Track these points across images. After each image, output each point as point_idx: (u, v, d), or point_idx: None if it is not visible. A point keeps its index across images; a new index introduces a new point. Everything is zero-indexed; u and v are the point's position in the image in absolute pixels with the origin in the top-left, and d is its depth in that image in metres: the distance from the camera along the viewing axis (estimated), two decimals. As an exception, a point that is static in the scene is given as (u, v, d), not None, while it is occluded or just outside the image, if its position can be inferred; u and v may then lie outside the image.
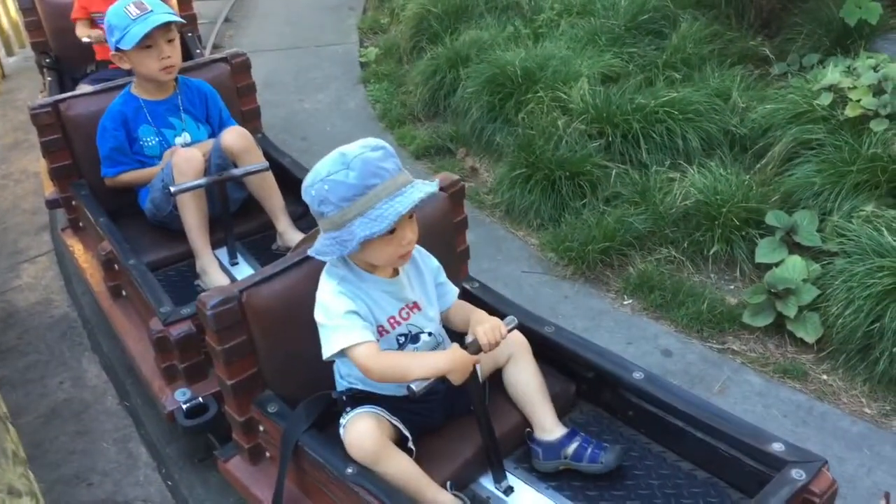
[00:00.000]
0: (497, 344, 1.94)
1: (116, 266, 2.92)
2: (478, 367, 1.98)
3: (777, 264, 3.15)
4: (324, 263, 1.98)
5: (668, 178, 3.61)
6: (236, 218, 3.09)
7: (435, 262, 2.13)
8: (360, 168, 1.78)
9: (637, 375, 2.08)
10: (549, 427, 2.09)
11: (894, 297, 2.74)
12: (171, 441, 2.84)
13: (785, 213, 3.26)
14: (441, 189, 2.32)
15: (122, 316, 2.94)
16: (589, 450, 2.03)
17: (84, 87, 3.75)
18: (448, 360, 1.87)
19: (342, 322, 1.88)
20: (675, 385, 2.10)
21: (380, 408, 1.98)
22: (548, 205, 3.76)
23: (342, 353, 1.89)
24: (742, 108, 3.85)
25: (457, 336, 2.13)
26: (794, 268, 3.08)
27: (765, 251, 3.22)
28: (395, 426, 1.97)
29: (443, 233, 2.33)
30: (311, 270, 2.04)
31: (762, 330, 3.08)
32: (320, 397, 2.05)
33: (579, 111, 3.94)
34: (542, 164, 3.79)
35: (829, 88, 3.53)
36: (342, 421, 1.99)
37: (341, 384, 2.08)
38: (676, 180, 3.56)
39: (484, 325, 1.95)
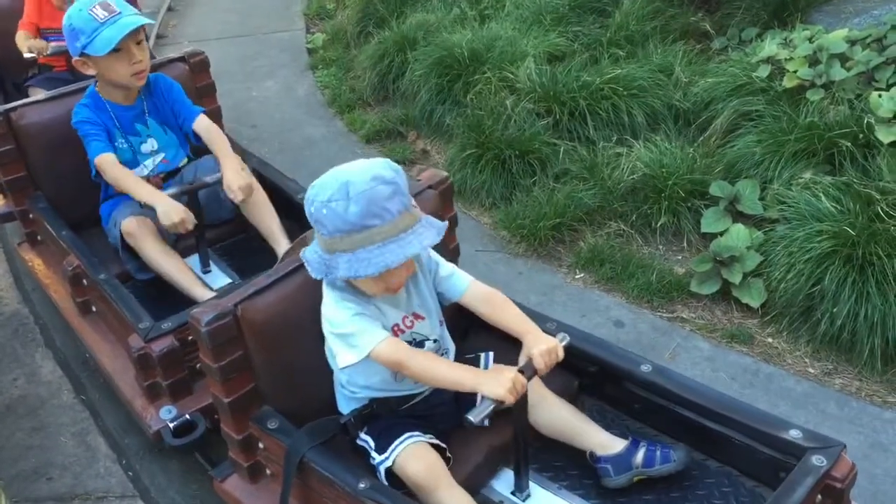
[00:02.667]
0: (553, 367, 1.84)
1: (85, 281, 2.78)
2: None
3: (722, 233, 3.24)
4: None
5: (615, 154, 3.68)
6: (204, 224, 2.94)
7: (434, 258, 2.03)
8: (362, 206, 1.67)
9: (645, 368, 2.02)
10: (608, 443, 1.99)
11: (833, 259, 2.84)
12: (130, 432, 2.83)
13: (728, 184, 3.35)
14: (430, 187, 2.26)
15: (94, 333, 2.80)
16: (658, 452, 1.95)
17: (36, 92, 3.62)
18: (500, 385, 1.74)
19: (354, 327, 1.81)
20: (684, 376, 2.06)
21: (418, 433, 1.90)
22: (499, 184, 3.80)
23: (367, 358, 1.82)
24: (685, 82, 3.93)
25: (458, 333, 2.10)
26: (738, 236, 3.18)
27: (710, 221, 3.31)
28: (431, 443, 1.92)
29: None
30: (305, 279, 1.95)
31: (709, 297, 3.17)
32: (326, 423, 1.97)
33: (527, 90, 3.98)
34: (492, 144, 3.83)
35: (767, 61, 3.62)
36: (377, 457, 1.91)
37: (343, 394, 2.02)
38: (623, 155, 3.63)
39: (540, 348, 1.84)
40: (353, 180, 1.69)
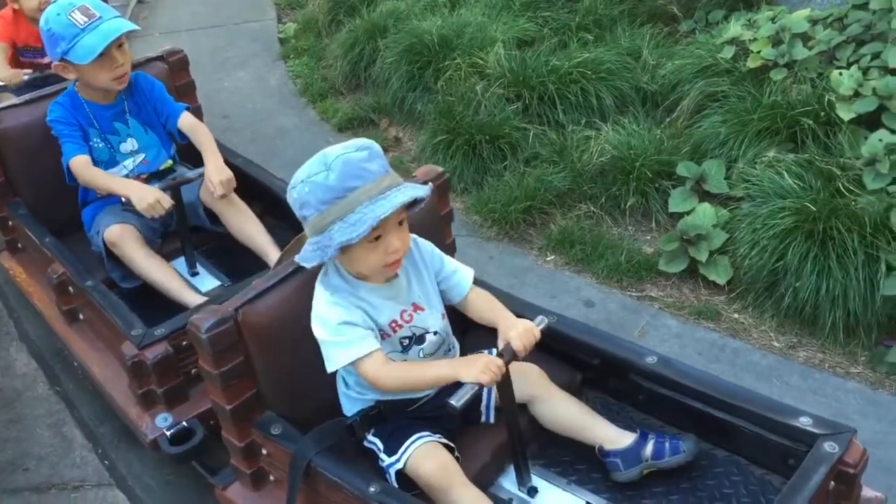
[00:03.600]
0: (531, 347, 1.83)
1: (71, 289, 2.73)
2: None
3: (689, 212, 3.29)
4: (318, 270, 1.89)
5: (584, 137, 3.71)
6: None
7: (436, 252, 2.02)
8: (340, 169, 1.69)
9: (650, 360, 1.99)
10: (616, 437, 1.96)
11: (795, 235, 2.90)
12: (106, 421, 2.85)
13: (694, 164, 3.40)
14: (425, 183, 2.18)
15: (82, 341, 2.74)
16: (667, 444, 1.93)
17: (7, 97, 3.50)
18: (475, 368, 1.74)
19: (341, 335, 1.80)
20: (690, 366, 2.05)
21: (427, 433, 1.89)
22: (470, 169, 3.83)
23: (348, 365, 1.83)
24: (652, 65, 3.97)
25: (458, 331, 2.08)
26: (704, 215, 3.23)
27: (677, 201, 3.36)
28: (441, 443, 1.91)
29: (429, 227, 2.20)
30: (305, 280, 1.94)
31: (677, 276, 3.23)
32: (333, 426, 1.94)
33: (496, 76, 4.01)
34: (463, 130, 3.86)
35: (732, 42, 3.67)
36: (386, 459, 1.89)
37: (348, 395, 2.00)
38: (592, 138, 3.66)
39: (517, 329, 1.83)
40: (328, 151, 1.74)
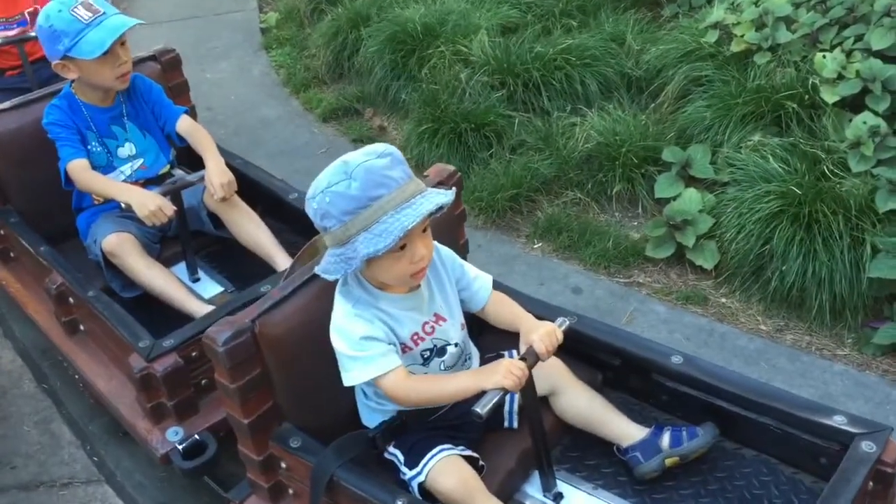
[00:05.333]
0: (554, 350, 1.80)
1: (72, 299, 2.64)
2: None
3: (675, 198, 3.29)
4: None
5: (569, 124, 3.70)
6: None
7: (457, 261, 1.98)
8: (363, 177, 1.63)
9: (676, 360, 1.97)
10: (634, 432, 1.95)
11: (781, 219, 2.91)
12: (94, 418, 2.84)
13: (680, 149, 3.40)
14: (439, 183, 2.18)
15: (84, 353, 2.65)
16: (683, 432, 1.91)
17: None
18: (498, 374, 1.70)
19: (361, 350, 1.76)
20: (717, 365, 2.03)
21: (449, 445, 1.86)
22: (456, 157, 3.81)
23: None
24: (636, 50, 3.96)
25: (473, 332, 2.05)
26: (691, 200, 3.23)
27: (663, 186, 3.36)
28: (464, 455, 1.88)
29: (443, 227, 2.12)
30: (321, 288, 1.90)
31: (664, 261, 3.23)
32: (354, 438, 1.91)
33: (481, 63, 3.99)
34: (448, 118, 3.84)
35: (715, 26, 3.66)
36: (407, 472, 1.87)
37: (368, 406, 1.96)
38: (578, 125, 3.66)
39: (539, 332, 1.79)
40: (348, 159, 1.67)
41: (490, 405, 1.67)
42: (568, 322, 1.86)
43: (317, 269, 1.78)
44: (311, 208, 1.71)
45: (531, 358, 1.77)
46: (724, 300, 3.07)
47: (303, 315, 1.89)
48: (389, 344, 1.79)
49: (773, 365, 2.79)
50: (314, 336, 1.86)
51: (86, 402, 2.87)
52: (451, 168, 2.24)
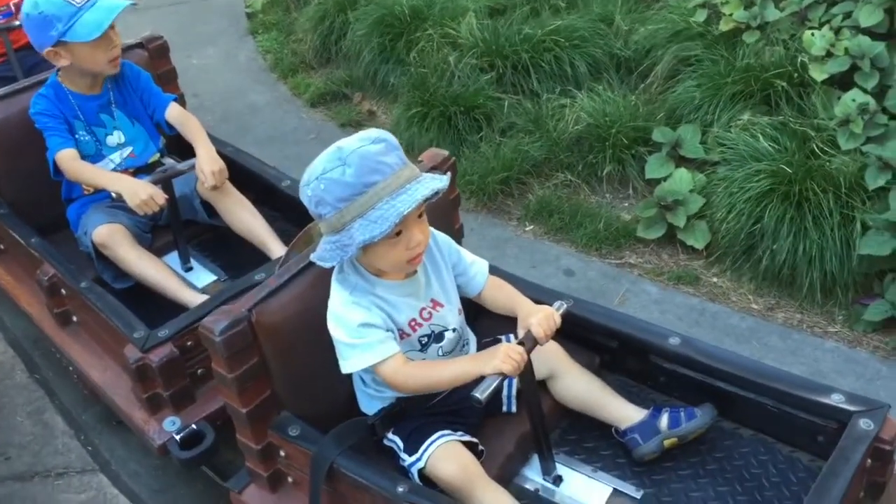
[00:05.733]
0: (552, 333, 1.80)
1: (64, 290, 2.61)
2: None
3: (665, 178, 3.29)
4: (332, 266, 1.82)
5: (559, 105, 3.69)
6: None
7: (453, 246, 1.97)
8: (357, 164, 1.61)
9: (673, 341, 1.97)
10: (632, 414, 1.95)
11: (771, 198, 2.92)
12: (88, 407, 2.83)
13: (670, 129, 3.40)
14: (433, 168, 2.15)
15: (77, 345, 2.62)
16: (682, 413, 1.91)
17: None
18: (497, 359, 1.69)
19: (359, 338, 1.75)
20: (714, 346, 2.03)
21: (448, 431, 1.86)
22: (446, 141, 3.80)
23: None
24: (625, 31, 3.95)
25: (470, 317, 2.04)
26: (681, 180, 3.23)
27: (653, 167, 3.36)
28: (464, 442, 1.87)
29: (438, 212, 2.09)
30: (318, 276, 1.89)
31: (656, 242, 3.24)
32: (353, 425, 1.90)
33: (469, 46, 3.98)
34: (437, 102, 3.83)
35: (704, 5, 3.66)
36: (407, 458, 1.86)
37: (367, 393, 1.95)
38: (567, 106, 3.65)
39: (537, 317, 1.79)
40: (342, 145, 1.66)
41: (489, 390, 1.67)
42: (566, 306, 1.86)
43: (312, 257, 1.77)
44: (306, 195, 1.69)
45: (529, 342, 1.77)
46: (715, 280, 3.08)
47: (299, 303, 1.88)
48: (387, 331, 1.78)
49: (765, 343, 2.80)
50: (311, 324, 1.85)
51: (78, 391, 2.86)
52: (445, 153, 2.22)
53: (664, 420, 1.92)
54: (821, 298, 2.86)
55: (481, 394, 1.66)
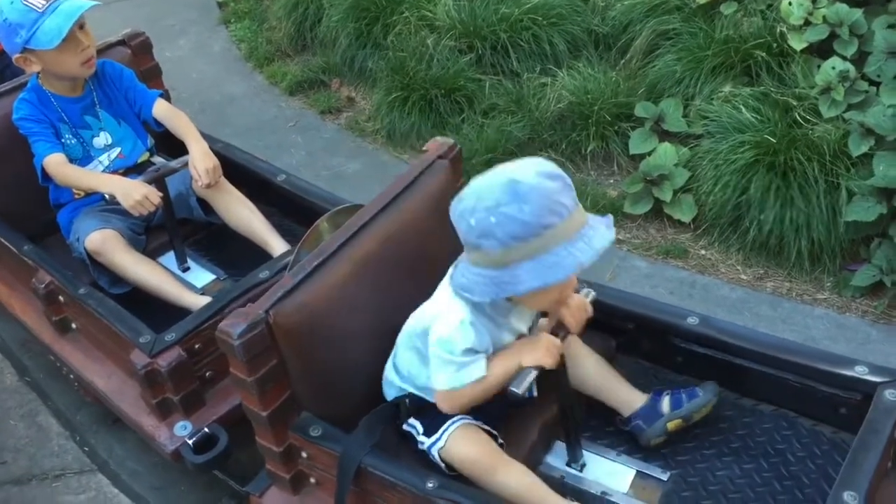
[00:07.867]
0: (585, 323, 1.79)
1: (62, 298, 2.55)
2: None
3: (650, 153, 3.30)
4: (344, 257, 1.79)
5: (540, 84, 3.69)
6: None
7: None
8: (536, 202, 1.53)
9: (692, 321, 1.96)
10: (636, 399, 1.93)
11: (756, 168, 2.94)
12: (81, 408, 2.80)
13: (652, 104, 3.40)
14: (440, 157, 2.13)
15: (79, 352, 2.56)
16: (682, 394, 1.90)
17: None
18: (537, 351, 1.70)
19: (459, 361, 1.72)
20: (732, 323, 2.04)
21: (467, 416, 1.83)
22: (427, 124, 3.79)
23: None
24: (602, 6, 3.93)
25: None
26: (666, 154, 3.25)
27: (637, 142, 3.37)
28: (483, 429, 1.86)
29: (444, 202, 1.96)
30: (332, 271, 1.86)
31: (643, 217, 3.26)
32: (376, 416, 1.88)
33: (447, 27, 3.95)
34: (417, 85, 3.81)
35: (680, -23, 3.66)
36: (426, 440, 1.85)
37: (396, 387, 1.93)
38: (548, 85, 3.64)
39: (570, 307, 1.77)
40: (518, 178, 1.56)
41: (526, 383, 1.65)
42: (593, 293, 1.84)
43: (454, 285, 1.71)
44: (468, 223, 1.59)
45: (562, 332, 1.76)
46: (703, 252, 3.10)
47: (316, 303, 1.85)
48: (484, 353, 1.75)
49: (756, 313, 2.83)
50: (328, 323, 1.84)
51: (71, 392, 2.83)
52: (451, 141, 2.18)
53: (665, 403, 1.90)
54: (809, 266, 2.89)
55: (519, 387, 1.64)
